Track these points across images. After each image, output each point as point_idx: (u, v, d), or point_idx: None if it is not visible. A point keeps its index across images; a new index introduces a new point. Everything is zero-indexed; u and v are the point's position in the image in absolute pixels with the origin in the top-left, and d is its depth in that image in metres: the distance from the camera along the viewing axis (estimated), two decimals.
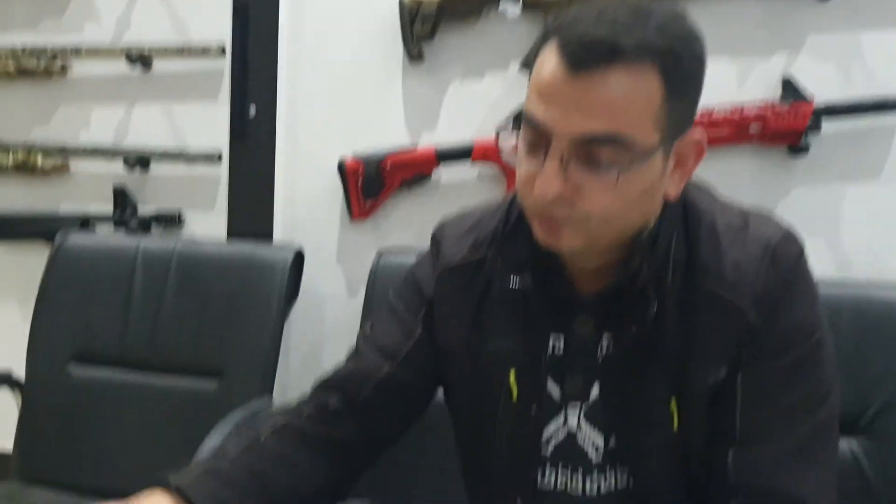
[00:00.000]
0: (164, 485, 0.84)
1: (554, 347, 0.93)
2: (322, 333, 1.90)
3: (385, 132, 1.81)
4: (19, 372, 1.75)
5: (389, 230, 1.84)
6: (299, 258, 1.75)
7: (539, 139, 0.81)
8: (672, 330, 0.88)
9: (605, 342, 0.91)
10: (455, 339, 0.97)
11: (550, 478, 0.93)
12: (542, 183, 0.80)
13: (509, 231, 0.96)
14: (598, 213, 0.82)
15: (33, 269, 1.86)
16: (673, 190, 0.87)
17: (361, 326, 1.06)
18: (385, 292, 1.68)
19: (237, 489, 0.87)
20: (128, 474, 1.63)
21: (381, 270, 1.71)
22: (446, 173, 1.80)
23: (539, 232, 0.86)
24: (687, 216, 0.91)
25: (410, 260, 1.69)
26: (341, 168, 1.80)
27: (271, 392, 1.68)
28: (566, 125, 0.78)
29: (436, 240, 1.03)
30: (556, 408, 0.93)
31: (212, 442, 1.40)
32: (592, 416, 0.92)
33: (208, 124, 1.89)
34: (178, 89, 1.90)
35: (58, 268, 1.77)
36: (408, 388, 0.99)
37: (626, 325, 0.88)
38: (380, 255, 1.72)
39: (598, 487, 0.92)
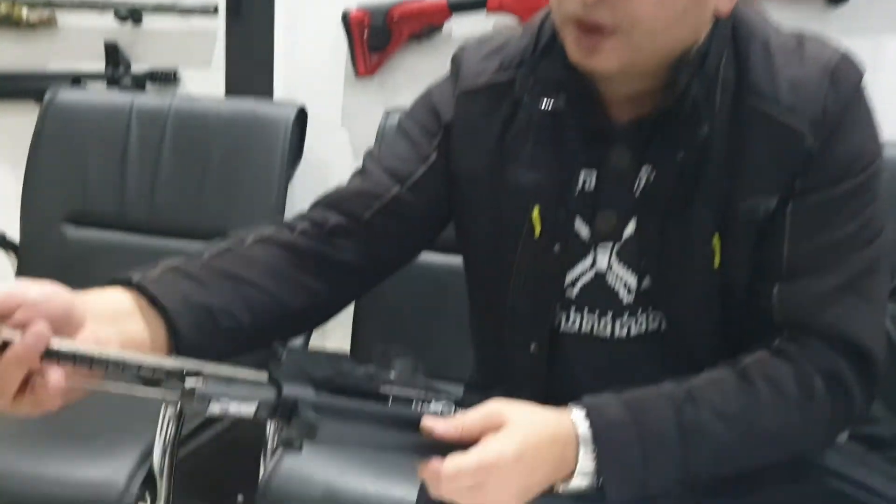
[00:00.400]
0: (125, 282, 0.76)
1: (584, 183, 0.86)
2: None
3: None
4: (14, 236, 1.69)
5: (397, 88, 1.75)
6: (302, 116, 1.67)
7: None
8: (720, 157, 0.82)
9: (643, 175, 0.85)
10: (474, 167, 0.90)
11: (575, 320, 0.89)
12: None
13: (542, 50, 0.87)
14: (644, 20, 0.75)
15: (24, 130, 1.78)
16: (724, 5, 0.80)
17: (367, 150, 0.98)
18: None
19: (208, 289, 0.78)
20: None
21: (389, 131, 1.63)
22: (459, 25, 1.68)
23: (573, 47, 0.79)
24: (737, 34, 0.83)
25: None
26: (345, 19, 1.69)
27: None
28: None
29: (456, 61, 0.94)
30: (584, 248, 0.87)
31: None
32: (625, 256, 0.86)
33: None
34: None
35: (48, 126, 1.69)
36: (415, 215, 0.91)
37: (671, 152, 0.82)
38: (387, 114, 1.64)
39: (628, 329, 0.87)
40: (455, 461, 0.68)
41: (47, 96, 1.70)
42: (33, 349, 0.59)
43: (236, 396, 0.62)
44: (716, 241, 0.83)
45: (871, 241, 0.82)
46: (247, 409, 0.62)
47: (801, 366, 0.79)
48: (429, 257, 1.60)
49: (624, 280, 0.87)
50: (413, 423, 0.69)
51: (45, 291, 0.63)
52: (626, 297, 0.87)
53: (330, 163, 1.80)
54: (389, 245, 0.91)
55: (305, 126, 1.69)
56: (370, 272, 0.92)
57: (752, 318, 0.84)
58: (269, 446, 1.35)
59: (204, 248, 0.83)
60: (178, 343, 0.74)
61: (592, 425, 0.74)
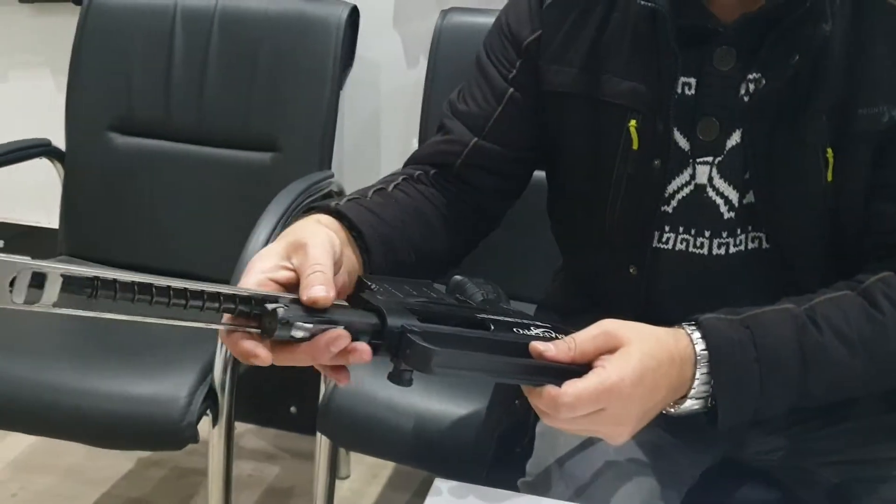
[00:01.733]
0: (323, 210, 0.75)
1: (684, 93, 0.80)
2: (378, 105, 1.75)
3: None
4: (59, 143, 1.64)
5: None
6: (354, 15, 1.58)
7: None
8: (839, 59, 0.75)
9: (751, 81, 0.78)
10: (567, 80, 0.85)
11: (670, 237, 0.83)
12: None
13: None
14: None
15: (64, 34, 1.71)
16: None
17: (446, 101, 0.95)
18: (451, 57, 1.55)
19: (387, 225, 0.79)
20: (179, 250, 1.57)
21: (446, 32, 1.55)
22: None
23: None
24: None
25: (481, 20, 1.56)
26: None
27: (329, 165, 1.56)
28: None
29: None
30: (683, 160, 0.81)
31: (271, 215, 1.30)
32: (727, 169, 0.81)
33: None
34: None
35: (90, 29, 1.61)
36: (503, 156, 0.89)
37: (784, 55, 0.75)
38: (444, 14, 1.55)
39: (727, 247, 0.82)
40: (574, 386, 0.63)
41: None
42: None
43: (326, 321, 0.57)
44: (829, 155, 0.77)
45: None
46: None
47: None
48: None
49: (725, 195, 0.81)
50: (521, 349, 0.64)
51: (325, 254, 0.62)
52: (726, 213, 0.81)
53: (382, 67, 1.73)
54: (489, 191, 0.91)
55: (358, 27, 1.60)
56: (488, 210, 0.92)
57: (864, 238, 0.79)
58: None
59: (359, 190, 0.83)
60: (371, 269, 0.75)
61: (709, 345, 0.69)
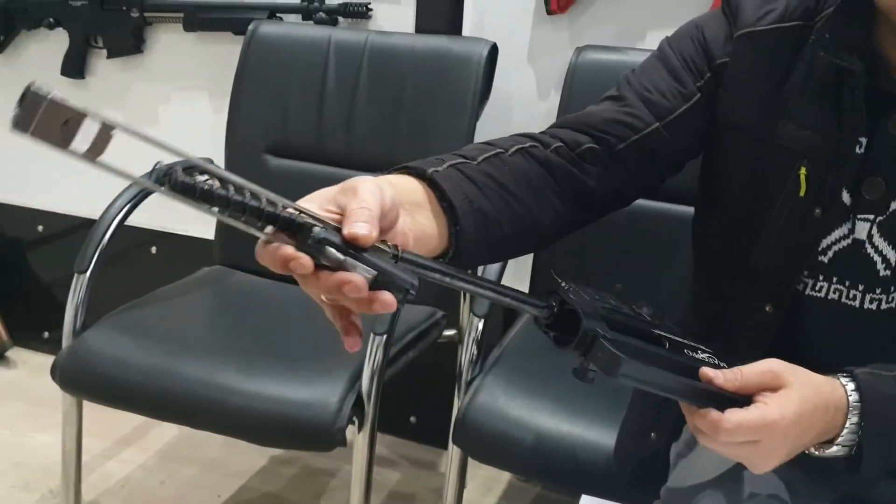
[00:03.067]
0: (416, 172, 0.74)
1: (855, 149, 0.84)
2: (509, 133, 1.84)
3: None
4: (217, 162, 1.79)
5: (587, 26, 1.73)
6: (493, 52, 1.68)
7: None
8: None
9: None
10: (743, 114, 0.88)
11: (823, 286, 0.87)
12: None
13: (839, 5, 0.83)
14: None
15: (223, 60, 1.88)
16: None
17: (623, 75, 0.94)
18: (584, 92, 1.63)
19: (484, 195, 0.77)
20: None
21: (581, 69, 1.63)
22: None
23: None
24: None
25: (614, 58, 1.64)
26: None
27: None
28: None
29: (730, 3, 0.90)
30: (844, 215, 0.85)
31: None
32: (887, 229, 0.84)
33: None
34: None
35: (251, 59, 1.76)
36: (667, 153, 0.90)
37: None
38: (578, 51, 1.63)
39: (879, 303, 0.86)
40: (738, 415, 0.69)
41: (250, 28, 1.77)
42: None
43: (360, 259, 0.57)
44: None
45: None
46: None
47: None
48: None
49: (883, 253, 0.84)
50: (692, 371, 0.71)
51: (382, 197, 0.62)
52: (882, 271, 0.85)
53: (515, 101, 1.81)
54: (635, 177, 0.90)
55: (495, 63, 1.70)
56: (609, 200, 0.90)
57: None
58: (463, 378, 1.41)
59: (473, 148, 0.82)
60: (458, 242, 0.74)
61: (863, 397, 0.74)
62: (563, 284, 0.68)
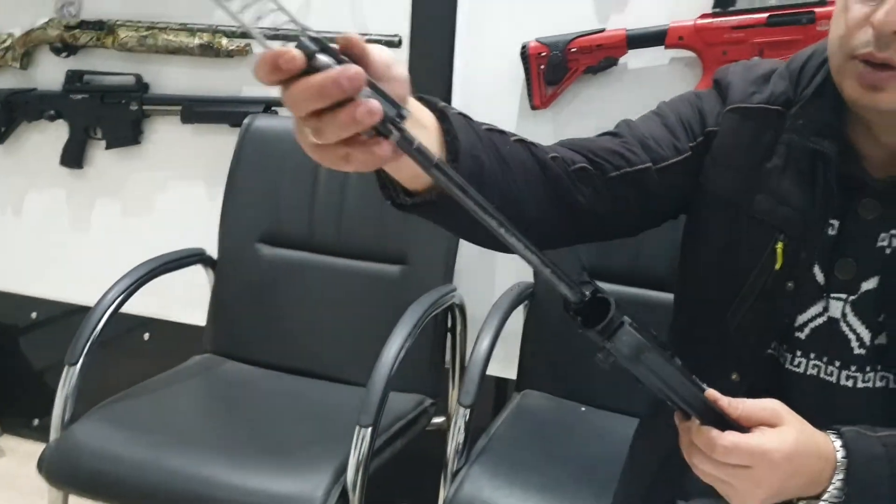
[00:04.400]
0: (430, 104, 0.73)
1: (827, 229, 0.88)
2: None
3: (570, 17, 1.73)
4: (212, 251, 1.82)
5: (569, 119, 1.78)
6: None
7: None
8: None
9: (891, 235, 0.85)
10: (725, 185, 0.92)
11: (802, 360, 0.90)
12: (887, 12, 0.74)
13: (814, 91, 0.88)
14: None
15: (219, 151, 1.93)
16: None
17: (622, 120, 0.96)
18: None
19: (485, 151, 0.76)
20: (314, 353, 1.71)
21: None
22: (635, 59, 1.70)
23: (855, 84, 0.79)
24: None
25: None
26: (524, 53, 1.73)
27: (451, 280, 1.69)
28: None
29: (722, 80, 0.95)
30: (818, 294, 0.89)
31: (403, 327, 1.43)
32: (861, 309, 0.87)
33: (388, 7, 1.84)
34: None
35: (246, 151, 1.81)
36: (654, 196, 0.92)
37: None
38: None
39: (855, 381, 0.88)
40: (735, 436, 0.72)
41: (245, 122, 1.82)
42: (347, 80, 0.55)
43: None
44: None
45: None
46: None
47: None
48: (602, 287, 1.65)
49: (857, 332, 0.87)
50: (699, 387, 0.73)
51: (389, 66, 0.60)
52: (857, 349, 0.88)
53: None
54: (620, 209, 0.91)
55: None
56: (592, 223, 0.91)
57: None
58: (449, 468, 1.41)
59: (478, 122, 0.80)
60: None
61: (849, 455, 0.76)
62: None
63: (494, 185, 0.77)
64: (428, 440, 1.70)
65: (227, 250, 1.79)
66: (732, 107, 0.92)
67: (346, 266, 1.73)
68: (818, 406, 0.89)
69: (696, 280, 0.98)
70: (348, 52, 0.57)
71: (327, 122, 0.56)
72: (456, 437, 1.42)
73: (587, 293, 0.67)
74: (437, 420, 1.72)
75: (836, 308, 0.88)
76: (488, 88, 1.82)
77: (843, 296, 0.88)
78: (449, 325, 1.74)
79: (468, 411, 1.43)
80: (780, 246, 0.88)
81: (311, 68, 0.55)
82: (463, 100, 1.85)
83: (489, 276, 1.91)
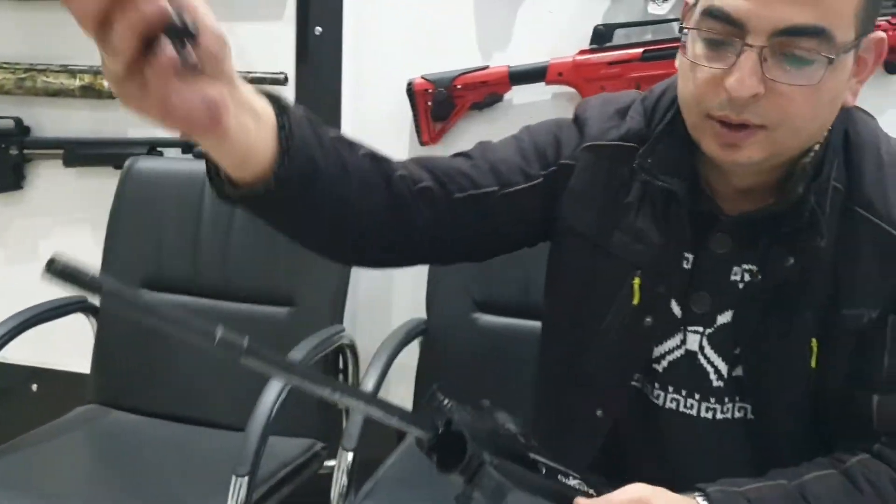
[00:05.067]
0: (272, 98, 0.70)
1: (682, 263, 0.89)
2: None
3: (454, 53, 1.74)
4: (94, 299, 1.77)
5: None
6: None
7: (728, 34, 0.75)
8: (827, 265, 0.83)
9: (746, 271, 0.87)
10: (582, 221, 0.92)
11: (661, 394, 0.91)
12: (739, 81, 0.74)
13: (664, 129, 0.89)
14: (794, 118, 0.76)
15: (104, 194, 1.87)
16: (851, 97, 0.81)
17: (479, 141, 0.96)
18: None
19: (325, 157, 0.75)
20: (201, 400, 1.66)
21: None
22: (519, 95, 1.72)
23: (712, 142, 0.80)
24: (849, 142, 0.85)
25: None
26: (410, 90, 1.74)
27: (341, 321, 1.67)
28: (767, 14, 0.72)
29: (581, 115, 0.95)
30: (674, 327, 0.89)
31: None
32: (717, 342, 0.88)
33: (273, 46, 1.83)
34: (241, 9, 1.85)
35: (127, 193, 1.77)
36: (500, 221, 0.91)
37: (781, 256, 0.83)
38: None
39: (714, 413, 0.89)
40: None
41: (126, 164, 1.78)
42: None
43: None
44: (814, 345, 0.84)
45: None
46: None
47: None
48: (490, 319, 1.65)
49: (715, 365, 0.88)
50: (567, 499, 0.72)
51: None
52: (715, 381, 0.88)
53: None
54: (462, 233, 0.90)
55: None
56: (427, 246, 0.90)
57: (844, 420, 0.86)
58: None
59: (329, 128, 0.79)
60: (277, 170, 0.69)
61: None
62: (445, 400, 0.66)
63: (329, 189, 0.76)
64: (322, 484, 1.66)
65: (108, 296, 1.73)
66: (589, 144, 0.93)
67: (231, 309, 1.69)
68: (681, 438, 0.91)
69: (559, 313, 0.98)
70: None
71: (115, 26, 0.51)
72: (339, 482, 1.39)
73: (439, 426, 0.64)
74: (330, 463, 1.68)
75: (693, 341, 0.89)
76: (378, 125, 1.82)
77: (700, 329, 0.88)
78: (340, 366, 1.71)
79: (350, 455, 1.40)
80: (636, 282, 0.89)
81: None
82: (353, 135, 1.84)
83: (384, 315, 1.89)
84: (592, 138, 0.93)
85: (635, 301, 0.89)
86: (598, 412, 0.92)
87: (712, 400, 0.89)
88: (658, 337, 0.90)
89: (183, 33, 0.53)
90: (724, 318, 0.88)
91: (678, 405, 0.90)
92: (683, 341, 0.89)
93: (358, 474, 1.48)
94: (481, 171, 0.90)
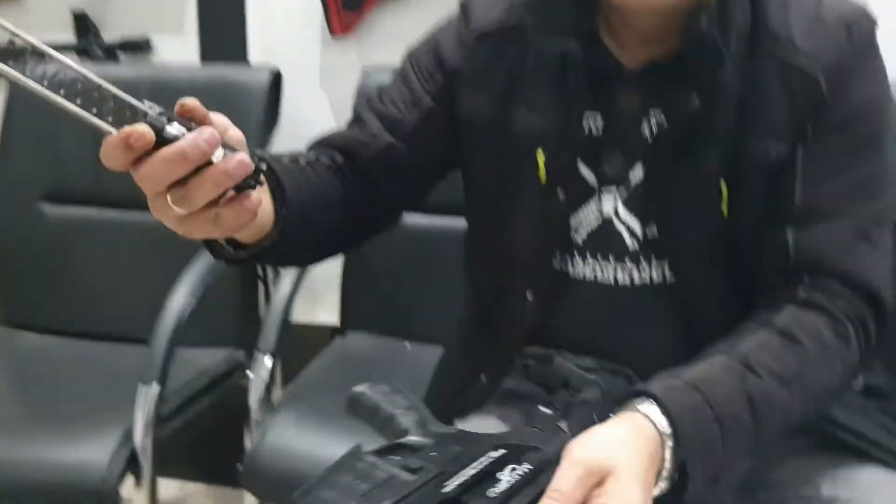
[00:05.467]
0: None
1: (590, 128, 0.85)
2: None
3: None
4: None
5: (374, 47, 1.70)
6: (277, 80, 1.63)
7: None
8: (732, 101, 0.81)
9: (652, 120, 0.84)
10: (481, 113, 0.89)
11: (580, 264, 0.87)
12: None
13: None
14: None
15: None
16: None
17: (367, 97, 0.97)
18: None
19: (300, 187, 0.79)
20: (111, 314, 1.59)
21: (368, 91, 1.59)
22: None
23: None
24: None
25: None
26: None
27: None
28: None
29: (464, 6, 0.92)
30: (589, 193, 0.86)
31: (189, 278, 1.34)
32: (632, 202, 0.85)
33: None
34: None
35: (20, 103, 1.65)
36: (411, 165, 0.91)
37: (683, 96, 0.80)
38: (365, 73, 1.60)
39: (632, 278, 0.86)
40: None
41: None
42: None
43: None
44: (723, 186, 0.81)
45: (883, 189, 0.81)
46: None
47: (833, 314, 0.78)
48: (414, 219, 1.59)
49: (630, 226, 0.85)
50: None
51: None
52: (631, 244, 0.85)
53: (308, 125, 1.76)
54: (386, 193, 0.91)
55: (280, 89, 1.65)
56: (376, 213, 0.93)
57: (762, 267, 0.82)
58: (251, 418, 1.34)
59: (295, 153, 0.86)
60: (280, 224, 0.74)
61: (669, 417, 0.67)
62: (362, 390, 0.65)
63: (320, 217, 0.82)
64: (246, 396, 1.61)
65: (7, 213, 1.63)
66: (473, 36, 0.90)
67: (138, 220, 1.59)
68: (602, 310, 0.87)
69: (478, 210, 0.96)
70: (190, 118, 0.60)
71: (195, 187, 0.58)
72: (258, 389, 1.34)
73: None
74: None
75: (608, 205, 0.86)
76: (285, 17, 1.73)
77: (614, 189, 0.86)
78: (259, 272, 1.65)
79: (269, 359, 1.35)
80: (540, 156, 0.86)
81: (161, 140, 0.56)
82: (260, 32, 1.74)
83: None
84: (476, 28, 0.90)
85: (542, 176, 0.86)
86: (528, 294, 0.89)
87: (629, 263, 0.86)
88: (574, 207, 0.87)
89: (261, 169, 0.61)
90: (636, 174, 0.85)
91: (596, 276, 0.87)
92: (599, 208, 0.86)
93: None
94: (372, 131, 0.90)
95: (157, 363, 1.23)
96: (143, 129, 0.56)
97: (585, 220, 0.87)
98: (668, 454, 0.67)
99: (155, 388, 1.24)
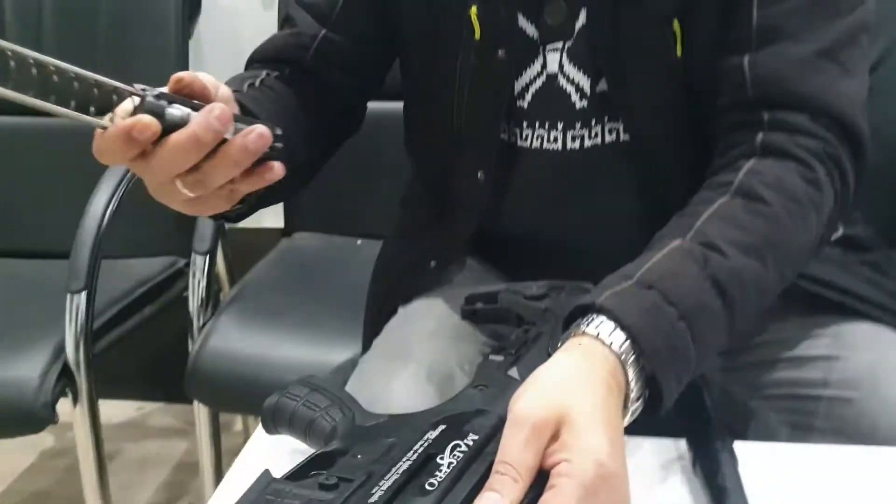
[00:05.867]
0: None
1: None
2: (238, 55, 1.66)
3: None
4: None
5: None
6: None
7: None
8: None
9: None
10: None
11: (528, 133, 0.79)
12: None
13: None
14: None
15: None
16: None
17: None
18: None
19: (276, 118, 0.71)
20: (30, 228, 1.50)
21: None
22: None
23: None
24: None
25: None
26: None
27: None
28: None
29: None
30: (533, 50, 0.77)
31: (110, 180, 1.25)
32: (577, 55, 0.76)
33: None
34: None
35: None
36: (350, 52, 0.84)
37: None
38: None
39: (582, 140, 0.77)
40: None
41: None
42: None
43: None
44: (676, 26, 0.72)
45: (850, 10, 0.70)
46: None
47: (798, 156, 0.67)
48: None
49: (577, 82, 0.76)
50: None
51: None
52: (578, 103, 0.76)
53: (235, 15, 1.65)
54: (343, 86, 0.84)
55: None
56: (338, 113, 0.85)
57: (717, 108, 0.72)
58: (195, 325, 1.26)
59: (245, 75, 0.77)
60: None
61: (625, 328, 0.55)
62: (275, 399, 0.59)
63: (290, 137, 0.71)
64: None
65: None
66: None
67: (51, 124, 1.47)
68: (548, 183, 0.80)
69: (415, 84, 0.87)
70: (188, 93, 0.55)
71: (211, 169, 0.55)
72: (197, 292, 1.27)
73: None
74: None
75: (553, 61, 0.76)
76: None
77: (559, 44, 0.76)
78: None
79: (205, 259, 1.27)
80: (473, 12, 0.76)
81: (167, 126, 0.51)
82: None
83: None
84: None
85: (477, 35, 0.77)
86: (479, 175, 0.81)
87: (578, 126, 0.77)
88: (516, 68, 0.78)
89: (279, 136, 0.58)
90: (580, 22, 0.75)
91: (543, 141, 0.78)
92: (544, 65, 0.77)
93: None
94: (302, 29, 0.83)
95: (82, 269, 1.15)
96: (147, 120, 0.51)
97: (530, 82, 0.78)
98: (631, 373, 0.55)
99: (82, 297, 1.15)
